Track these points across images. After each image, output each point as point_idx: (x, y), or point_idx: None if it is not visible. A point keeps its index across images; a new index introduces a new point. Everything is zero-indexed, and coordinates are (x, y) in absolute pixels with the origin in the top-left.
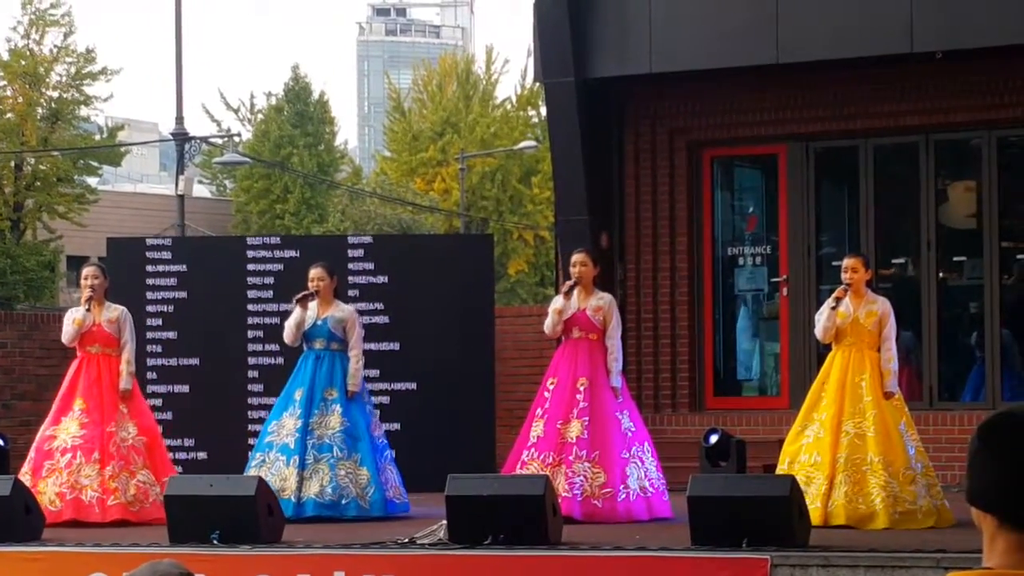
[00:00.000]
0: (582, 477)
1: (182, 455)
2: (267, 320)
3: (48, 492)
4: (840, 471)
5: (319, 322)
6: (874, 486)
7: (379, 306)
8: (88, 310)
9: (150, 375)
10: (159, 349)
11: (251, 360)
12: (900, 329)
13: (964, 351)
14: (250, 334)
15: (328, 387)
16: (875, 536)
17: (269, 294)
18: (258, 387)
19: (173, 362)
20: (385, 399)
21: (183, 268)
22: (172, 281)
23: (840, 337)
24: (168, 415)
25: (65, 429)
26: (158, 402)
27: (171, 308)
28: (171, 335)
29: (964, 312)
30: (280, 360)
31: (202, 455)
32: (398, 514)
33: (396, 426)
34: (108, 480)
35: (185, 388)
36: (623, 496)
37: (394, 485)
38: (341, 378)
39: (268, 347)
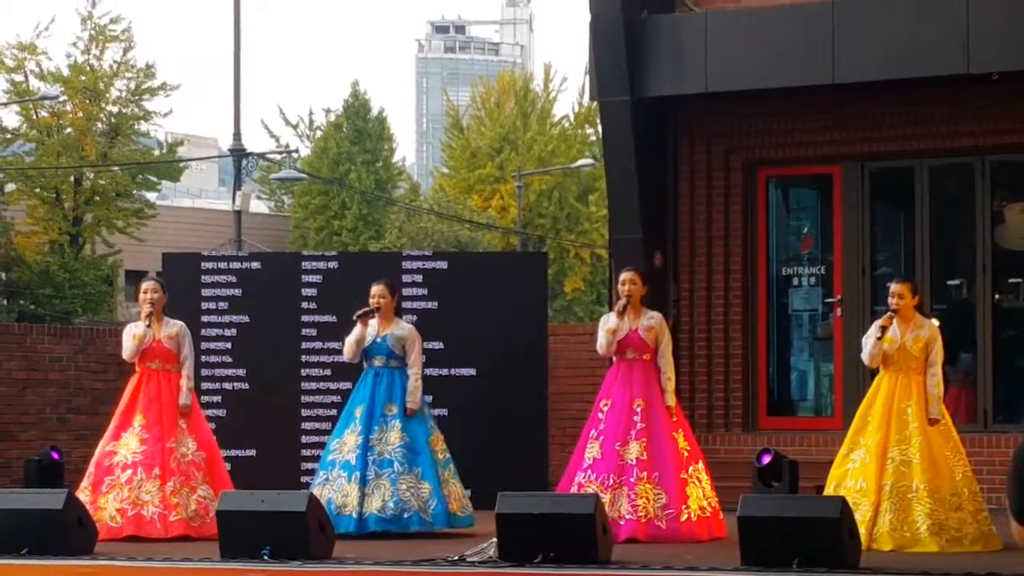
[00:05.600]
0: (644, 499)
1: (232, 469)
2: (321, 334)
3: (109, 508)
4: (885, 498)
5: (379, 340)
6: (919, 514)
7: (432, 323)
8: (148, 326)
9: (205, 385)
10: (213, 360)
11: (304, 372)
12: (959, 351)
13: (1020, 373)
14: (304, 345)
15: (388, 403)
16: (926, 558)
17: (324, 309)
18: (310, 399)
19: (228, 373)
20: (441, 411)
21: (238, 283)
22: (227, 294)
23: (887, 362)
24: (221, 427)
25: (125, 445)
26: (212, 412)
27: (226, 321)
28: (226, 347)
29: (1020, 334)
30: (332, 381)
31: (254, 471)
32: (462, 527)
33: (448, 441)
34: (169, 496)
35: (238, 402)
36: (685, 516)
37: (457, 498)
38: (400, 394)
39: (322, 360)
